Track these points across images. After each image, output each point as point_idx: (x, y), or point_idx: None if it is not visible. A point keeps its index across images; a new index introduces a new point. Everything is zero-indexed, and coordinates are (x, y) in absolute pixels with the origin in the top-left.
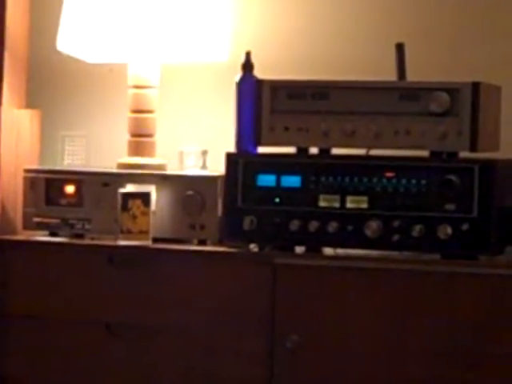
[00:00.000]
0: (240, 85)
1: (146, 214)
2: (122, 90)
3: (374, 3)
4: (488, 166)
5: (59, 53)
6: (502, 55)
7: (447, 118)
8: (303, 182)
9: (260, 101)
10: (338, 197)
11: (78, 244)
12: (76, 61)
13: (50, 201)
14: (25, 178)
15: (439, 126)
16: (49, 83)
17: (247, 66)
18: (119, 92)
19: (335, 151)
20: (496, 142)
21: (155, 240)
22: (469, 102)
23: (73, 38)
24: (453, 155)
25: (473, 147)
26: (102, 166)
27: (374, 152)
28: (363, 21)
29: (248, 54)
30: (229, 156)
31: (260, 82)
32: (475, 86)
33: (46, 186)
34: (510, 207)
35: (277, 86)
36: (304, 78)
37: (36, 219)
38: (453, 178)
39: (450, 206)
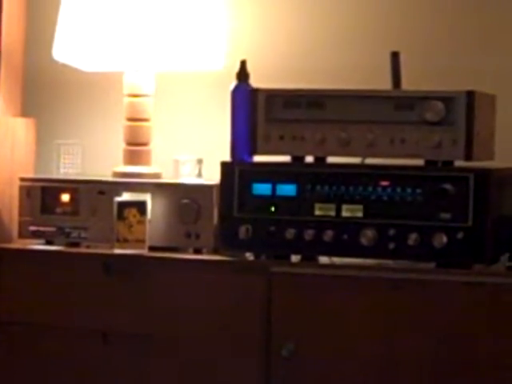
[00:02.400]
0: (235, 93)
1: (141, 222)
2: (117, 99)
3: (369, 12)
4: (483, 174)
5: (55, 61)
6: (496, 64)
7: (442, 127)
8: (299, 190)
9: (255, 109)
10: (333, 205)
11: (73, 252)
12: (72, 69)
13: (45, 209)
14: (20, 187)
15: (434, 134)
16: (44, 92)
17: (242, 74)
18: (115, 100)
19: (330, 160)
20: (491, 150)
21: (150, 248)
22: (464, 110)
23: (68, 47)
24: (448, 164)
25: (468, 156)
26: (98, 174)
27: (370, 161)
28: (358, 29)
29: (243, 63)
30: (224, 165)
31: (255, 91)
32: (470, 95)
33: (42, 195)
34: (505, 216)
35: (272, 95)
36: (299, 86)
37: (32, 228)
38: (448, 186)
39: (445, 215)
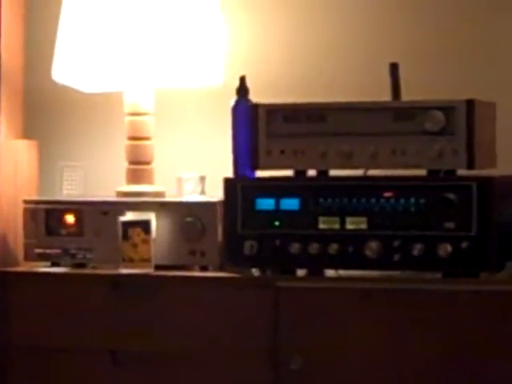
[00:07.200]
0: (235, 109)
1: (146, 241)
2: (118, 118)
3: (367, 24)
4: (485, 182)
5: (55, 83)
6: (495, 71)
7: (443, 137)
8: (302, 204)
9: (256, 125)
10: (337, 218)
11: (79, 274)
12: (72, 90)
13: (50, 231)
14: (24, 209)
15: (435, 144)
16: (45, 113)
17: (242, 90)
18: (116, 120)
19: (333, 173)
20: (493, 158)
21: (156, 267)
22: (464, 119)
23: (68, 68)
24: (450, 173)
25: (470, 164)
26: (102, 194)
27: (372, 172)
28: (357, 42)
29: (242, 79)
30: (227, 181)
31: (255, 106)
32: (470, 104)
33: (46, 217)
34: (509, 223)
35: (272, 110)
36: (299, 100)
37: (37, 250)
38: (451, 196)
39: (450, 224)
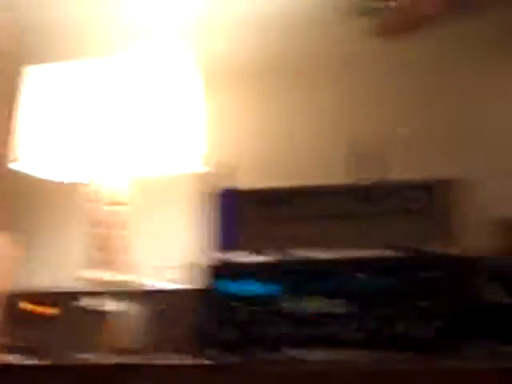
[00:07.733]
0: (216, 196)
1: (118, 329)
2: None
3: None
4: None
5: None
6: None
7: (419, 216)
8: (277, 287)
9: (231, 210)
10: (303, 299)
11: (43, 365)
12: (33, 179)
13: (16, 322)
14: None
15: (412, 223)
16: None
17: (217, 176)
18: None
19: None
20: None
21: (128, 354)
22: (440, 198)
23: (29, 157)
24: (426, 252)
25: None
26: (70, 282)
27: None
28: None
29: (218, 165)
30: (201, 267)
31: (228, 191)
32: (445, 183)
33: (11, 308)
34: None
35: (246, 195)
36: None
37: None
38: (425, 275)
39: (425, 303)
